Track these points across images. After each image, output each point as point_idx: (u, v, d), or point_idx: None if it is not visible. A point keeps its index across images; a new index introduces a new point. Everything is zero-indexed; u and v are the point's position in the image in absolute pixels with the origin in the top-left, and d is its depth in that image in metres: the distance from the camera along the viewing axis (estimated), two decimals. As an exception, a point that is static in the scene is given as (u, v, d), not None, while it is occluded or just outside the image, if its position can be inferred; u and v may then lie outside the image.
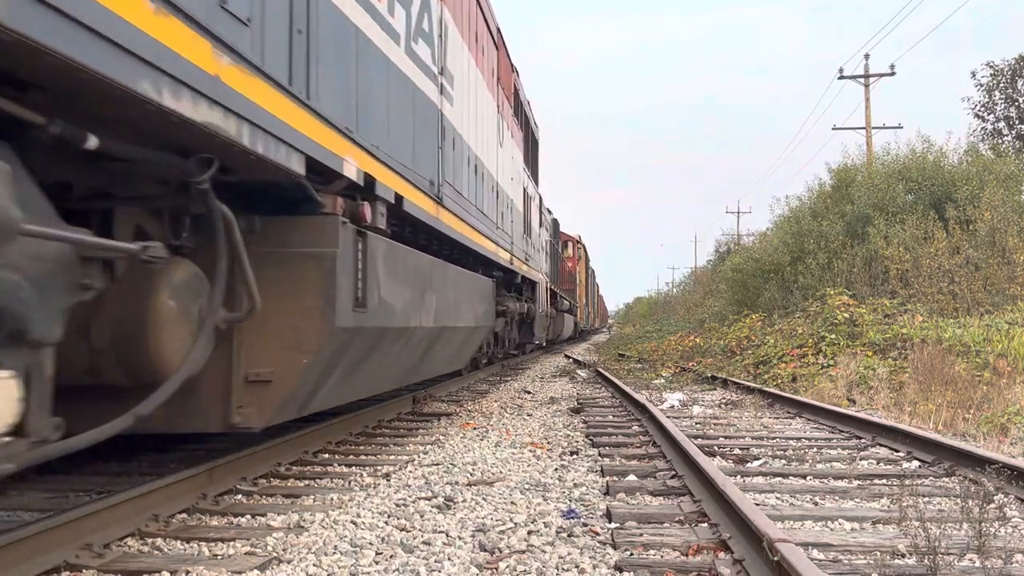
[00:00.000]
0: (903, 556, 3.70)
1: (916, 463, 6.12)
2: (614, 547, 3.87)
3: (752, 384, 11.93)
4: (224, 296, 3.99)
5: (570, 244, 33.83)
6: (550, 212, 24.75)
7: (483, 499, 4.89)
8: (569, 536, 4.07)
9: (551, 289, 22.32)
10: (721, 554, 3.76)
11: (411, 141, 6.57)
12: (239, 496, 4.93)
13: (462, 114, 8.79)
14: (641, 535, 4.02)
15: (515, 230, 14.05)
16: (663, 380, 14.75)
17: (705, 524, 4.24)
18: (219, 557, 3.72)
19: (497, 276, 11.86)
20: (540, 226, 20.77)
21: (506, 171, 12.88)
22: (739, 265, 27.82)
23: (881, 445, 6.90)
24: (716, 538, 3.95)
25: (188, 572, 3.46)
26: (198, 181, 3.57)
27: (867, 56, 30.77)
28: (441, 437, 7.44)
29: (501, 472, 5.81)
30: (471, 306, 9.12)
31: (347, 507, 4.66)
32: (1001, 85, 32.42)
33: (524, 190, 15.96)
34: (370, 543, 3.92)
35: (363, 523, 4.31)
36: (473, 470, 5.87)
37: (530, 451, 6.77)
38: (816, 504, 4.88)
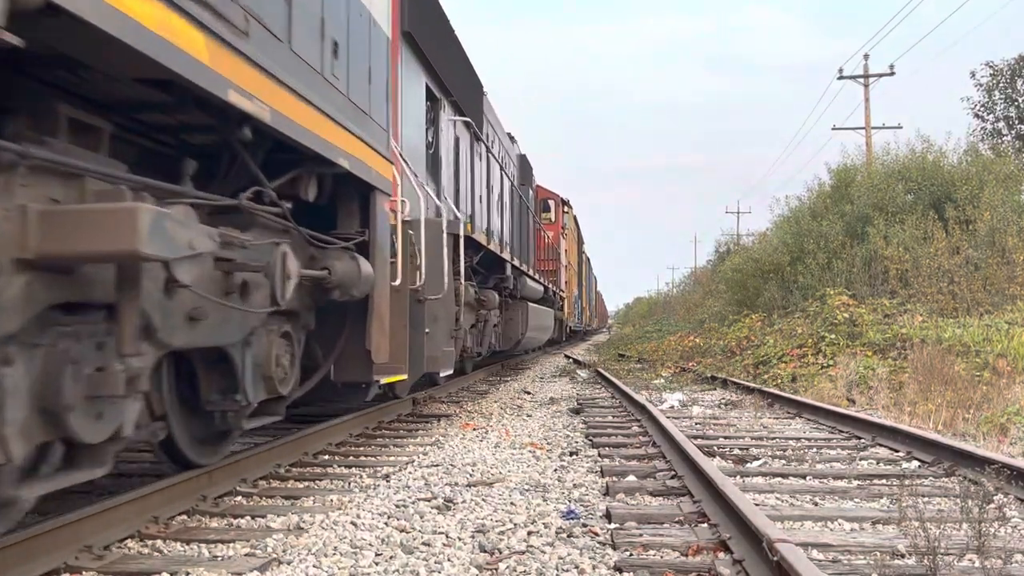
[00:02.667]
0: (903, 556, 3.70)
1: (916, 463, 6.12)
2: (614, 547, 3.87)
3: (752, 384, 11.93)
4: None
5: (553, 205, 23.77)
6: (514, 140, 16.61)
7: (483, 500, 4.89)
8: (569, 537, 4.07)
9: (487, 250, 11.30)
10: (721, 554, 3.76)
11: None
12: (239, 498, 4.93)
13: None
14: (641, 535, 4.02)
15: None
16: (663, 380, 14.75)
17: (705, 524, 4.24)
18: (219, 558, 3.72)
19: None
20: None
21: None
22: (739, 265, 27.80)
23: (881, 445, 6.90)
24: (716, 538, 3.95)
25: (188, 573, 3.46)
26: None
27: (867, 56, 30.84)
28: (441, 438, 7.44)
29: (501, 473, 5.81)
30: None
31: (347, 508, 4.66)
32: (1001, 85, 32.40)
33: None
34: (370, 544, 3.93)
35: (363, 524, 4.31)
36: (473, 471, 5.87)
37: (530, 452, 6.77)
38: (816, 504, 4.88)
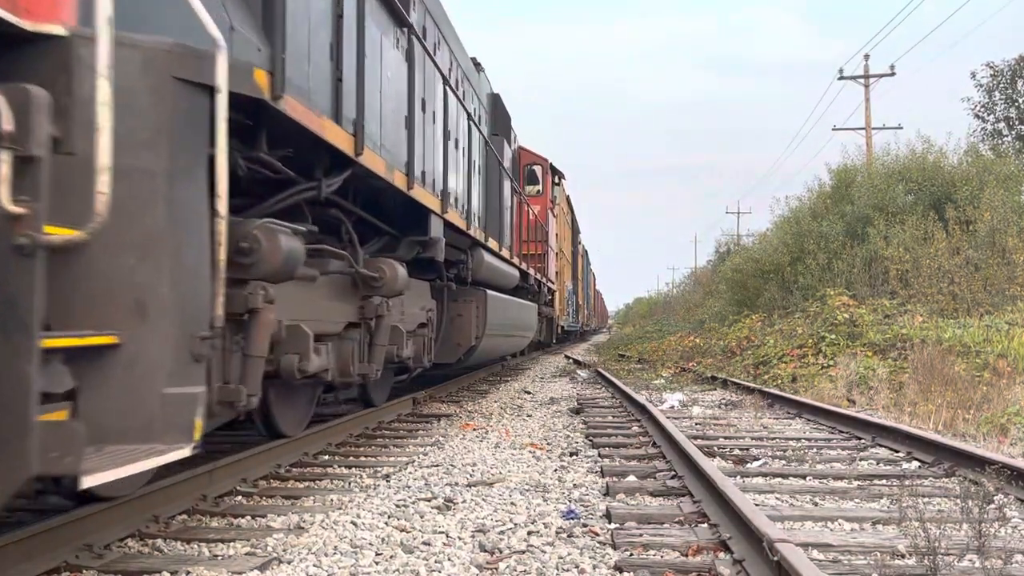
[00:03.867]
0: (903, 556, 3.70)
1: (916, 463, 6.12)
2: (614, 547, 3.87)
3: (752, 384, 11.93)
4: None
5: (539, 172, 18.58)
6: (480, 68, 11.82)
7: (483, 500, 4.89)
8: (569, 536, 4.07)
9: (368, 171, 5.43)
10: (721, 554, 3.76)
11: None
12: (239, 497, 4.93)
13: None
14: (641, 535, 4.02)
15: None
16: (663, 380, 14.75)
17: (705, 524, 4.24)
18: (219, 558, 3.72)
19: None
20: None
21: None
22: (739, 265, 27.83)
23: (881, 445, 6.90)
24: (716, 538, 3.95)
25: (188, 572, 3.46)
26: None
27: (867, 56, 30.85)
28: (441, 438, 7.45)
29: (501, 473, 5.81)
30: None
31: (347, 508, 4.66)
32: (1001, 86, 32.42)
33: None
34: (370, 543, 3.93)
35: (363, 524, 4.31)
36: (473, 471, 5.87)
37: (530, 452, 6.77)
38: (816, 504, 4.88)
